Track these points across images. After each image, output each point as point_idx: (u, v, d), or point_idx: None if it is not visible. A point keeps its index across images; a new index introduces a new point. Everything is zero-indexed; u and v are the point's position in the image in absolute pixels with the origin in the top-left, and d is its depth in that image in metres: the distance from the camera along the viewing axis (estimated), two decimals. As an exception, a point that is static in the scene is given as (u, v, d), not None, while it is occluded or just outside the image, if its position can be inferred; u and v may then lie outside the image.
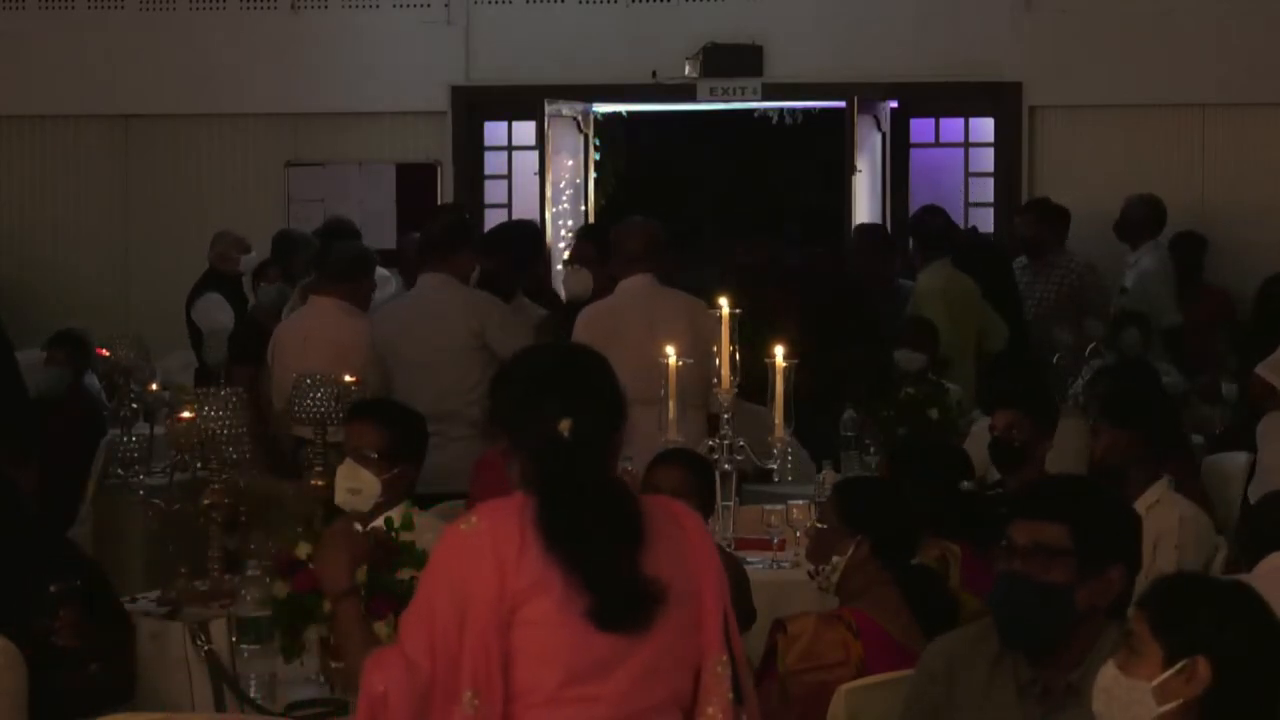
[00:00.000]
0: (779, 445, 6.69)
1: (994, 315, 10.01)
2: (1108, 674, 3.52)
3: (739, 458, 6.52)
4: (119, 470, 7.51)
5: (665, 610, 3.35)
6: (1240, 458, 7.94)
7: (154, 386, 8.89)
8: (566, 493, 3.35)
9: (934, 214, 10.98)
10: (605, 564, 3.31)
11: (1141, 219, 11.29)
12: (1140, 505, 6.01)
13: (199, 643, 5.12)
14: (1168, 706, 3.42)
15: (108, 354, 9.48)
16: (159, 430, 8.30)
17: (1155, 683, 3.43)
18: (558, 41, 12.55)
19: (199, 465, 6.05)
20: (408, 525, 4.65)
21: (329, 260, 8.79)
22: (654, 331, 7.10)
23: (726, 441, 6.48)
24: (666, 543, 3.41)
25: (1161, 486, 6.14)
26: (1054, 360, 9.76)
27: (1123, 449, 6.11)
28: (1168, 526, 6.00)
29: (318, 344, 8.02)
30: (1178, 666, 3.42)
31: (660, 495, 3.63)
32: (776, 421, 6.66)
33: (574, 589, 3.29)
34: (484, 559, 3.30)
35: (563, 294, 9.48)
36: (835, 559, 4.97)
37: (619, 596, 3.30)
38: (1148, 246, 11.21)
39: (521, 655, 3.30)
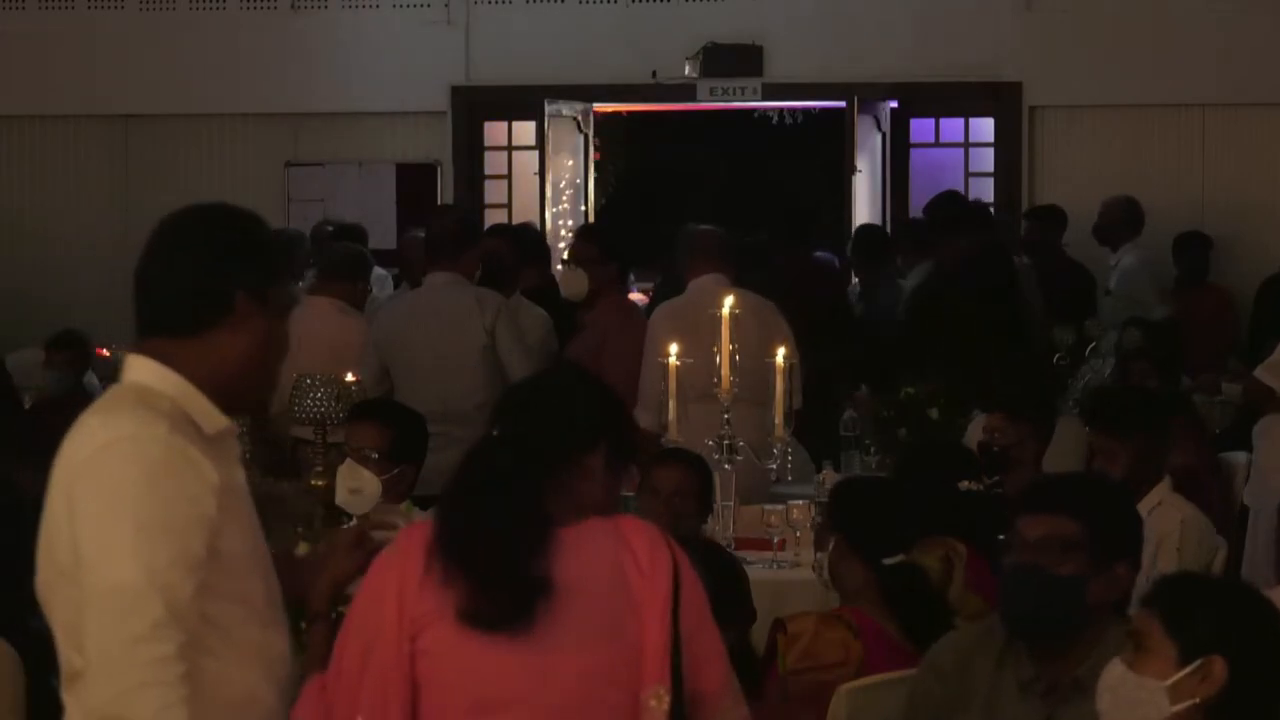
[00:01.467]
0: (779, 445, 6.69)
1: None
2: (1114, 673, 3.51)
3: (739, 458, 6.52)
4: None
5: (583, 632, 3.18)
6: (1241, 458, 7.94)
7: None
8: (462, 493, 3.28)
9: (936, 206, 11.00)
10: (479, 559, 3.18)
11: (1119, 220, 11.28)
12: (1142, 507, 5.98)
13: (199, 642, 5.11)
14: (1180, 706, 3.42)
15: (108, 354, 9.47)
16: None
17: (1169, 682, 3.42)
18: (558, 41, 12.55)
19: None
20: (408, 525, 4.65)
21: (324, 260, 8.79)
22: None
23: (726, 442, 6.48)
24: (601, 570, 3.25)
25: (1163, 488, 6.13)
26: (1054, 360, 9.75)
27: (1125, 460, 6.09)
28: (1169, 528, 6.00)
29: (314, 344, 8.00)
30: (1193, 666, 3.41)
31: (620, 516, 3.45)
32: (777, 422, 6.66)
33: (455, 594, 3.18)
34: (390, 584, 3.24)
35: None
36: (819, 555, 5.02)
37: (493, 592, 3.17)
38: (1127, 247, 11.18)
39: (426, 685, 3.20)
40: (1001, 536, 4.15)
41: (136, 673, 3.01)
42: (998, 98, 12.44)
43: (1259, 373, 7.80)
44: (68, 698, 3.21)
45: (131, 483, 3.08)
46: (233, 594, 3.16)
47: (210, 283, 3.22)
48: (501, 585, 3.16)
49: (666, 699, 3.19)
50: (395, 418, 5.93)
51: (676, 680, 3.20)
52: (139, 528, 3.04)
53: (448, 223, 8.20)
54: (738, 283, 7.79)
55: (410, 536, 3.31)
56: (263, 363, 3.29)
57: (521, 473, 3.26)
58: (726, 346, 6.66)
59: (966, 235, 9.52)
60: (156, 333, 3.24)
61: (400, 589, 3.21)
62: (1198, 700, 3.40)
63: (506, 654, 3.16)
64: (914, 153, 12.78)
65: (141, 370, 3.23)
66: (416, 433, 5.93)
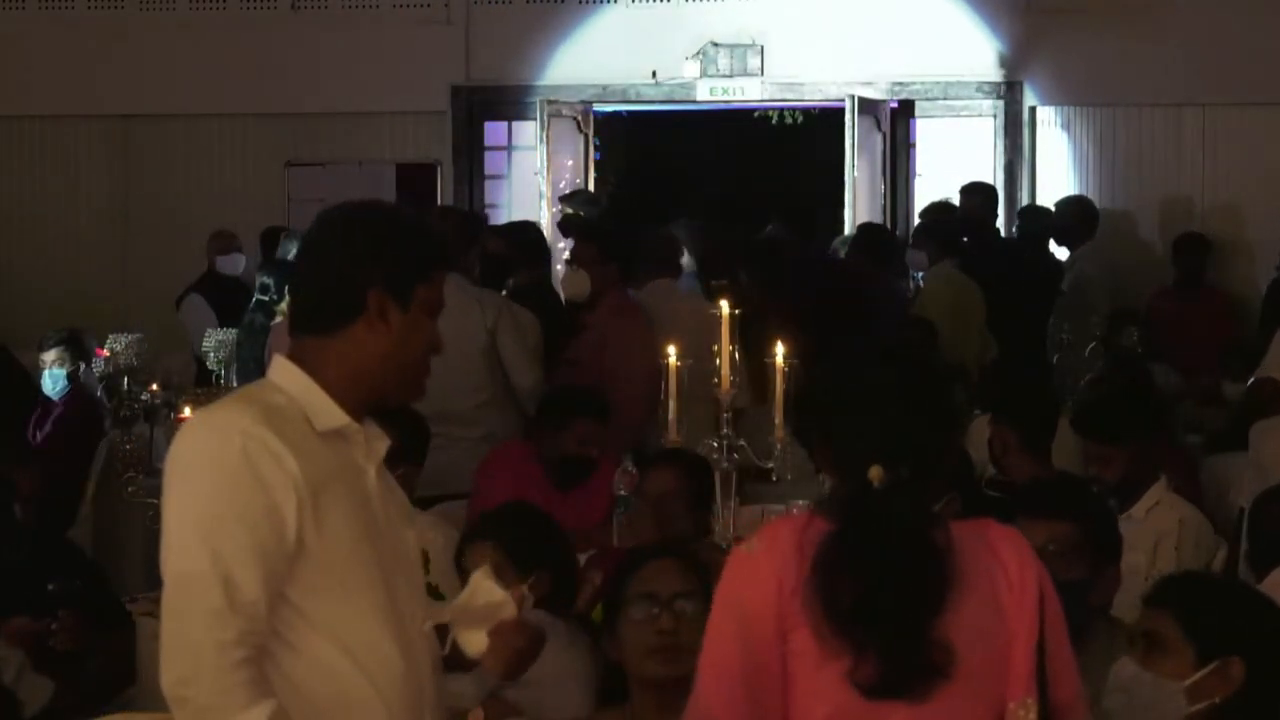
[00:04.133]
0: (779, 445, 6.68)
1: (984, 328, 10.00)
2: (1126, 672, 3.51)
3: (736, 457, 6.51)
4: (119, 470, 7.53)
5: (959, 661, 3.07)
6: (1241, 458, 7.92)
7: (154, 386, 8.88)
8: (859, 546, 3.07)
9: (954, 207, 11.00)
10: (884, 632, 3.04)
11: (1074, 221, 11.25)
12: (1140, 508, 6.01)
13: (199, 643, 5.11)
14: (1199, 706, 3.42)
15: (108, 354, 9.48)
16: (159, 430, 8.30)
17: (1188, 682, 3.42)
18: (558, 41, 12.55)
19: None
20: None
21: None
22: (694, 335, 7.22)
23: (726, 441, 6.47)
24: (977, 583, 3.12)
25: (1160, 488, 6.12)
26: (1054, 360, 9.75)
27: (1120, 464, 6.09)
28: (1168, 528, 5.99)
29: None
30: (1212, 666, 3.42)
31: (976, 520, 3.25)
32: (776, 421, 6.65)
33: (842, 646, 3.06)
34: (765, 581, 3.11)
35: (561, 295, 9.47)
36: None
37: (892, 669, 3.04)
38: (1084, 249, 11.14)
39: (793, 685, 3.10)
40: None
41: (196, 658, 3.10)
42: (998, 98, 12.45)
43: (1274, 372, 7.77)
44: None
45: (206, 472, 3.16)
46: (327, 587, 3.19)
47: (340, 282, 3.27)
48: (909, 659, 3.04)
49: (1035, 710, 3.12)
50: (397, 420, 5.93)
51: (1042, 692, 3.13)
52: (207, 516, 3.12)
53: (448, 223, 8.19)
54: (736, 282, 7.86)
55: (779, 533, 3.18)
56: (404, 361, 3.31)
57: (915, 522, 3.09)
58: (727, 346, 6.66)
59: None
60: (302, 331, 3.32)
61: (779, 584, 3.09)
62: (1216, 700, 3.41)
63: None
64: (914, 153, 12.79)
65: (276, 368, 3.32)
66: (418, 434, 5.93)
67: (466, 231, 8.09)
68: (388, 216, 3.36)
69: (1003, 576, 3.14)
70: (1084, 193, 11.91)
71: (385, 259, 3.28)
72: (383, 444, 3.35)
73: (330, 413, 3.25)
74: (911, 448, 3.11)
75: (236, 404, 3.25)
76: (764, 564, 3.12)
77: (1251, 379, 8.20)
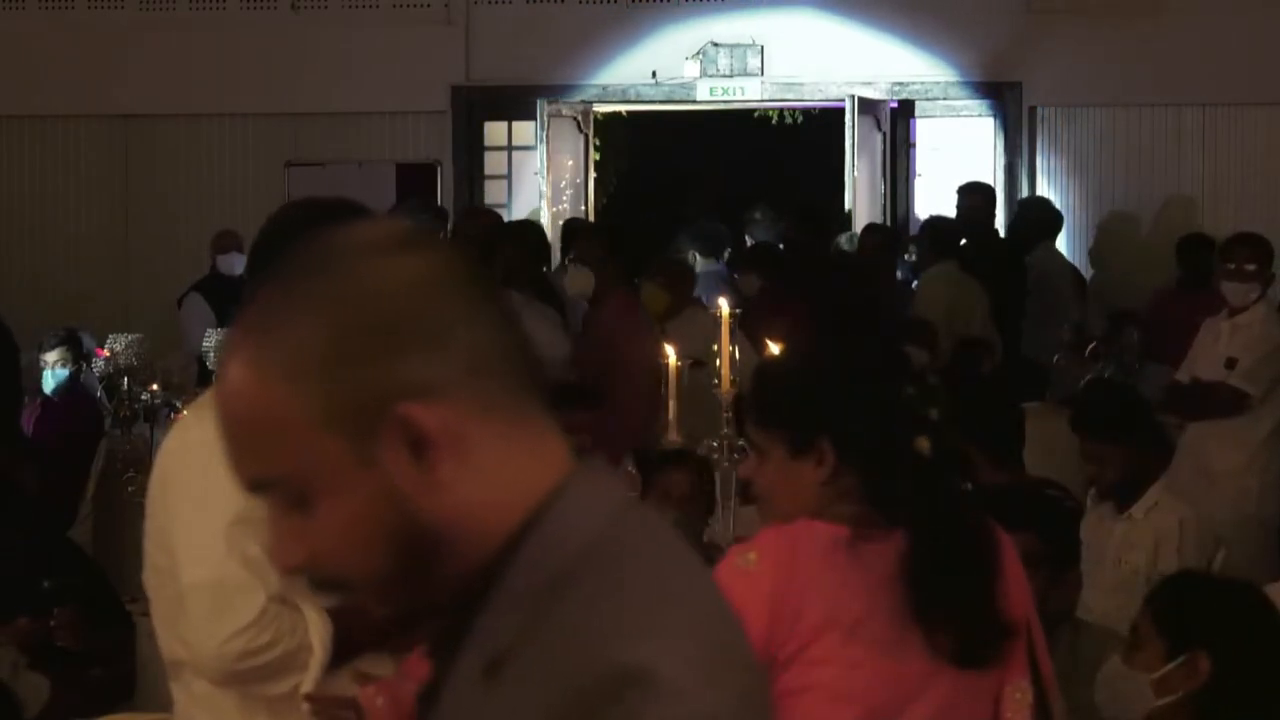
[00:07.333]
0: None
1: (992, 329, 10.00)
2: (1111, 667, 3.56)
3: (737, 456, 6.51)
4: (119, 470, 7.53)
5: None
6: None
7: (154, 386, 8.88)
8: (936, 521, 2.99)
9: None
10: (967, 599, 2.98)
11: (1034, 220, 11.25)
12: (1139, 508, 6.01)
13: (199, 643, 5.11)
14: (1167, 699, 3.46)
15: (108, 354, 9.48)
16: (159, 430, 8.30)
17: (1156, 675, 3.47)
18: (558, 41, 12.55)
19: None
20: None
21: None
22: None
23: (727, 441, 6.47)
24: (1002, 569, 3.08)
25: (1159, 488, 6.11)
26: (1054, 360, 9.76)
27: (1119, 464, 6.07)
28: (1168, 529, 5.99)
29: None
30: (1179, 660, 3.46)
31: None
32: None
33: (922, 625, 2.97)
34: (760, 599, 2.96)
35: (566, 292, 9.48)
36: None
37: (979, 633, 2.98)
38: (1043, 247, 11.13)
39: (814, 693, 2.99)
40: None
41: (246, 659, 3.09)
42: (998, 98, 12.45)
43: (1234, 380, 7.79)
44: (174, 685, 3.30)
45: (218, 479, 3.09)
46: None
47: None
48: (987, 630, 2.99)
49: (1030, 692, 3.06)
50: None
51: (1035, 671, 3.08)
52: (230, 522, 3.07)
53: (479, 225, 8.14)
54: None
55: (780, 544, 3.04)
56: None
57: (959, 485, 3.04)
58: (726, 346, 6.66)
59: None
60: None
61: (777, 600, 2.98)
62: (1182, 694, 3.45)
63: (897, 663, 3.00)
64: (914, 153, 12.79)
65: None
66: None
67: (494, 235, 8.01)
68: (337, 211, 3.30)
69: (1006, 562, 3.11)
70: (1084, 193, 11.92)
71: None
72: None
73: None
74: (935, 421, 3.02)
75: None
76: (762, 580, 3.00)
77: (1187, 378, 8.18)
